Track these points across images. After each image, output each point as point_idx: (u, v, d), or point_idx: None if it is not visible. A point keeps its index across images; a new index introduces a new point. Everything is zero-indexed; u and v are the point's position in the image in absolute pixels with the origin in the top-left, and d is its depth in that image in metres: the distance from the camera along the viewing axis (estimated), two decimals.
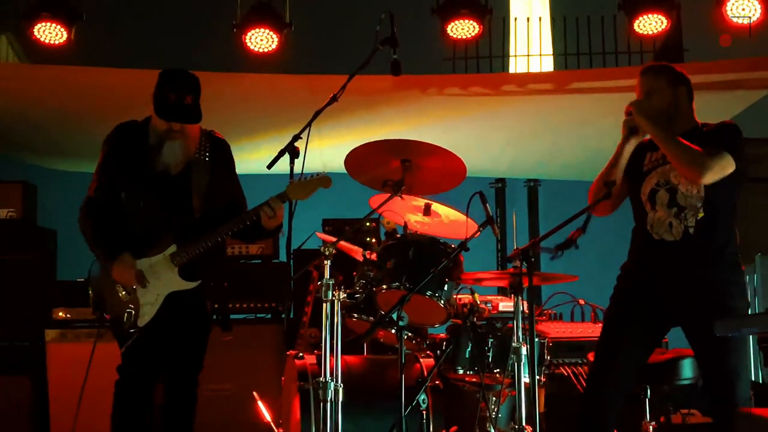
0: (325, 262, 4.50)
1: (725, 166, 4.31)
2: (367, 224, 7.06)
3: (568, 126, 8.45)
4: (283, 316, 7.06)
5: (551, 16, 9.51)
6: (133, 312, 4.65)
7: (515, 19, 9.29)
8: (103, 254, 4.71)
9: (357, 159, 4.94)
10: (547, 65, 9.48)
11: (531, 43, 9.24)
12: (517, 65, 9.30)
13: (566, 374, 5.82)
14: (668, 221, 4.43)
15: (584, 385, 5.64)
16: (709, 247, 4.38)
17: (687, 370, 5.03)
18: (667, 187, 4.46)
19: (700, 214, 4.37)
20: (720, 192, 4.38)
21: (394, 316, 4.25)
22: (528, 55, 9.27)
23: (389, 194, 4.82)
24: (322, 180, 4.64)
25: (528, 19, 9.25)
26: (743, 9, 6.76)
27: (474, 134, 8.79)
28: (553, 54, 9.42)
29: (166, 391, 4.84)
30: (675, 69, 4.64)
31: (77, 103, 7.65)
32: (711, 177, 4.30)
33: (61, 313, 7.10)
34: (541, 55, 9.27)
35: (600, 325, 6.09)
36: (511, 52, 9.27)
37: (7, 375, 7.08)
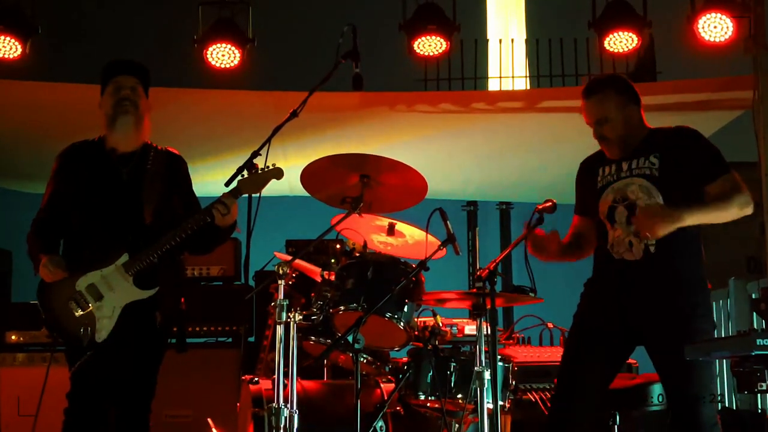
0: (279, 281, 4.30)
1: (743, 181, 4.23)
2: (338, 245, 6.89)
3: (539, 146, 8.33)
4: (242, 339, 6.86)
5: (527, 38, 9.39)
6: (90, 328, 4.43)
7: (487, 41, 9.17)
8: (35, 261, 4.53)
9: (314, 174, 4.78)
10: (523, 88, 9.36)
11: (505, 65, 9.12)
12: (489, 87, 9.18)
13: (534, 400, 5.64)
14: (628, 240, 4.27)
15: None
16: (672, 266, 4.22)
17: (657, 395, 4.89)
18: (625, 203, 4.28)
19: None
20: None
21: (350, 338, 4.07)
22: (500, 77, 9.14)
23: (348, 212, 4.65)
24: (274, 172, 4.47)
25: (500, 41, 9.14)
26: (715, 27, 6.65)
27: (445, 154, 8.65)
28: (527, 76, 9.29)
29: (116, 421, 4.61)
30: (618, 85, 4.43)
31: (32, 120, 7.45)
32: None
33: (14, 336, 6.91)
34: (513, 77, 9.13)
35: None
36: (488, 74, 9.15)
37: None
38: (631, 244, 4.25)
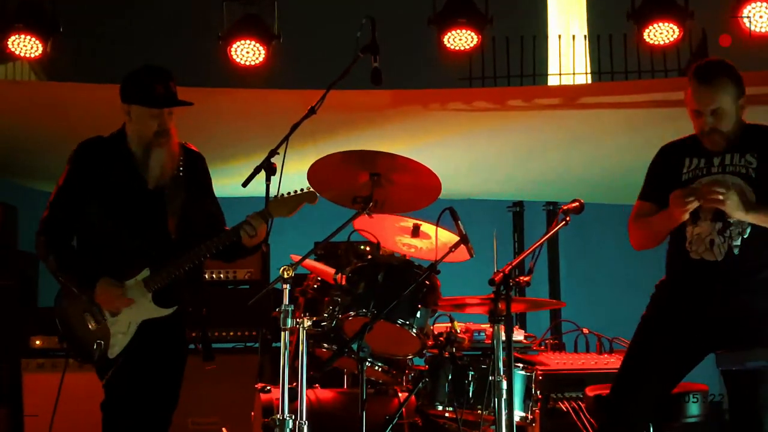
0: (284, 285, 4.10)
1: None
2: (362, 247, 6.67)
3: (581, 143, 8.03)
4: (257, 345, 6.68)
5: (588, 34, 9.08)
6: (103, 343, 4.29)
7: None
8: (77, 282, 4.32)
9: (321, 172, 4.57)
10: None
11: (556, 61, 8.86)
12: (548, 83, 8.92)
13: (565, 410, 5.37)
14: (709, 238, 4.06)
15: (585, 422, 5.23)
16: (754, 270, 4.06)
17: (695, 406, 4.63)
18: None
19: (747, 233, 4.01)
20: None
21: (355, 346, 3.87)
22: (549, 74, 8.87)
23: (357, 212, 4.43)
24: (307, 195, 4.32)
25: (558, 36, 8.88)
26: (761, 17, 6.31)
27: (485, 153, 8.39)
28: (574, 73, 8.98)
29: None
30: (733, 73, 4.12)
31: (59, 121, 7.33)
32: None
33: (38, 342, 6.81)
34: (549, 74, 8.85)
35: (606, 356, 5.71)
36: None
37: None
38: (712, 243, 4.06)
